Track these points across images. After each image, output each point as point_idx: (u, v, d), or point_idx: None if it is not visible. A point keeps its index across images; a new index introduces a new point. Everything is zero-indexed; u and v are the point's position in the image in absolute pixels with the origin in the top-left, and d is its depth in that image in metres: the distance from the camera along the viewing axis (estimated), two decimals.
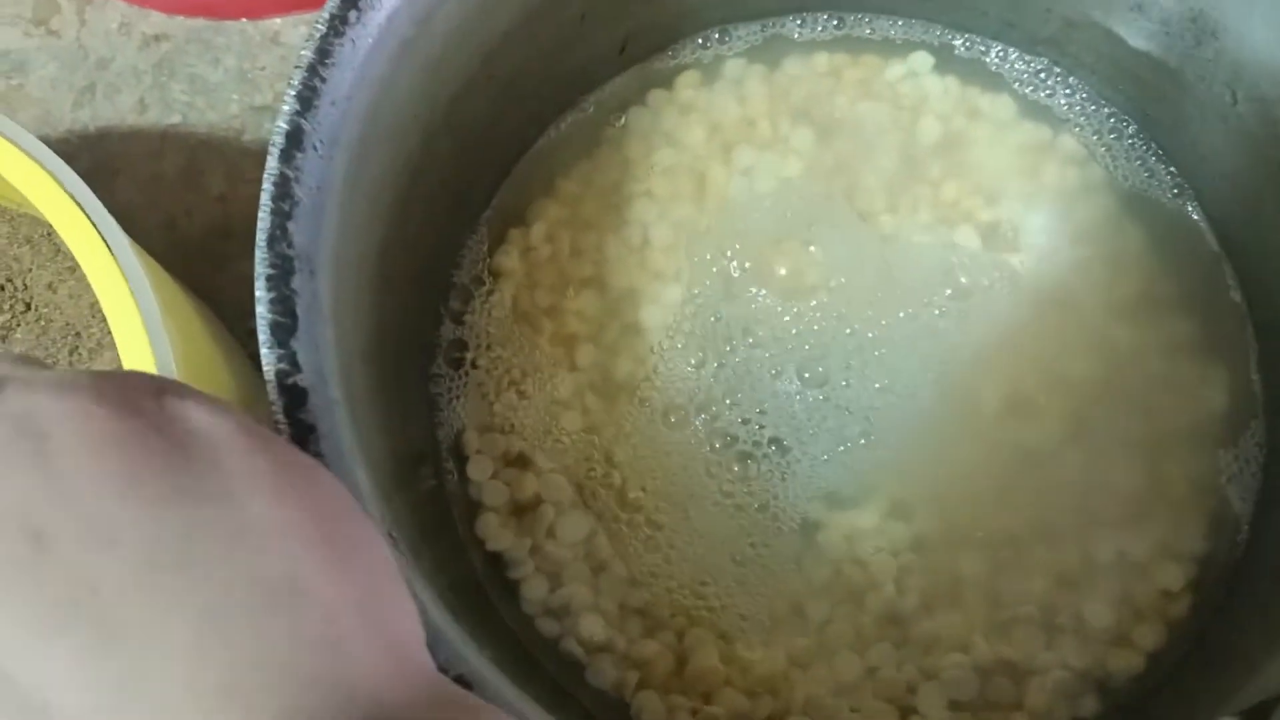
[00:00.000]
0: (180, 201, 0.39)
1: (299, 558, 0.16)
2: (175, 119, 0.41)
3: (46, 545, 0.15)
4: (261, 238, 0.23)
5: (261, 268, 0.23)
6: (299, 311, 0.23)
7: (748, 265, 0.34)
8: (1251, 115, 0.30)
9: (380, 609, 0.17)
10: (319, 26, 0.24)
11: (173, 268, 0.38)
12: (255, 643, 0.15)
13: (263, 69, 0.41)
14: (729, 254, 0.34)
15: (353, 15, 0.25)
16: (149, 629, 0.14)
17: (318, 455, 0.22)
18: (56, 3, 0.42)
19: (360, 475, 0.23)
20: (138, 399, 0.17)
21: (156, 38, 0.42)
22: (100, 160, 0.40)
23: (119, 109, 0.41)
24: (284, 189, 0.23)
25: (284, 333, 0.23)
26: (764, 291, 0.34)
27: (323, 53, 0.24)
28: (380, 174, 0.27)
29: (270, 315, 0.23)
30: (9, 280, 0.35)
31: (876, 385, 0.33)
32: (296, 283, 0.23)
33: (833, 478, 0.32)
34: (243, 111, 0.41)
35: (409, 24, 0.26)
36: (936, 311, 0.33)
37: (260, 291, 0.23)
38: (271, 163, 0.24)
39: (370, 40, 0.25)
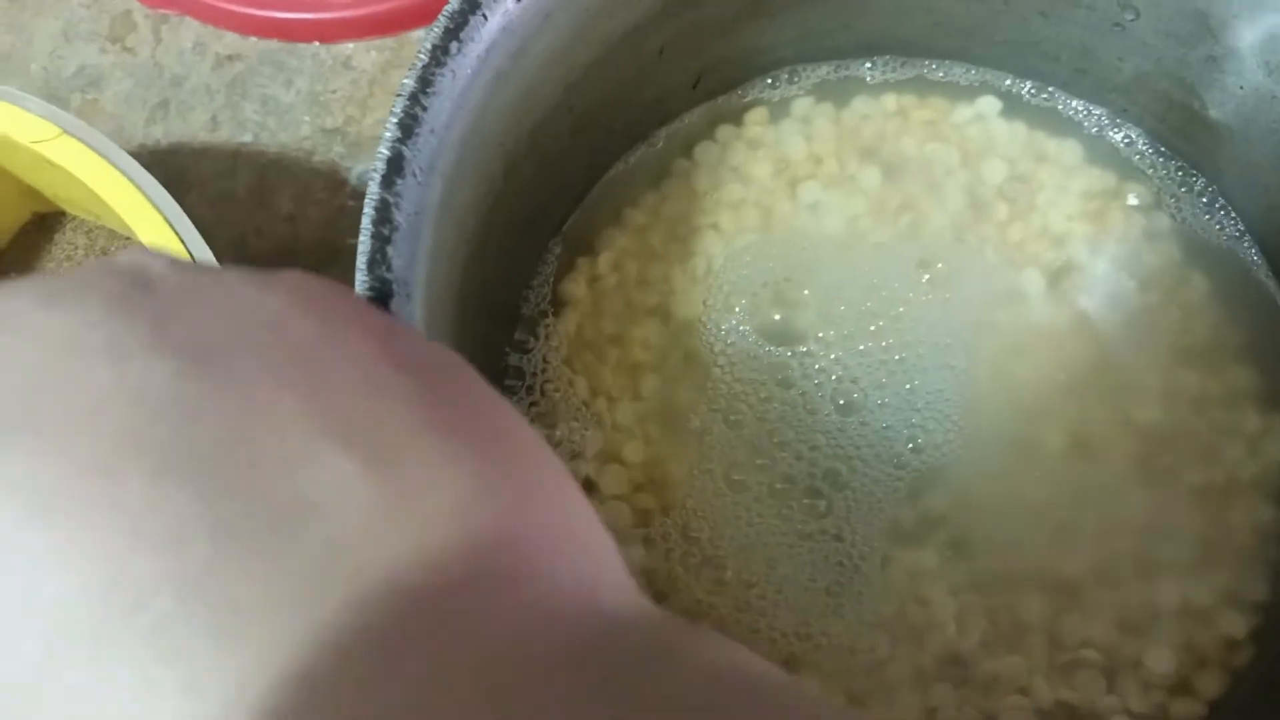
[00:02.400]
0: (250, 220, 0.40)
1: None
2: (247, 138, 0.41)
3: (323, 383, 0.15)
4: (362, 260, 0.24)
5: (362, 290, 0.23)
6: None
7: (791, 300, 0.35)
8: None
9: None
10: (421, 56, 0.25)
11: None
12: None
13: (334, 92, 0.42)
14: (774, 291, 0.35)
15: (454, 46, 0.25)
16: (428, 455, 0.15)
17: None
18: (133, 20, 0.43)
19: None
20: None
21: (230, 58, 0.43)
22: (172, 176, 0.41)
23: (191, 126, 0.42)
24: (384, 214, 0.24)
25: None
26: (822, 330, 0.34)
27: (424, 82, 0.25)
28: (467, 200, 0.27)
29: None
30: None
31: (950, 424, 0.33)
32: (394, 306, 0.24)
33: (892, 511, 0.32)
34: (313, 133, 0.41)
35: (505, 57, 0.26)
36: (996, 350, 0.34)
37: None
38: (373, 188, 0.24)
39: (469, 71, 0.25)
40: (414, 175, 0.25)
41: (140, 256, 0.17)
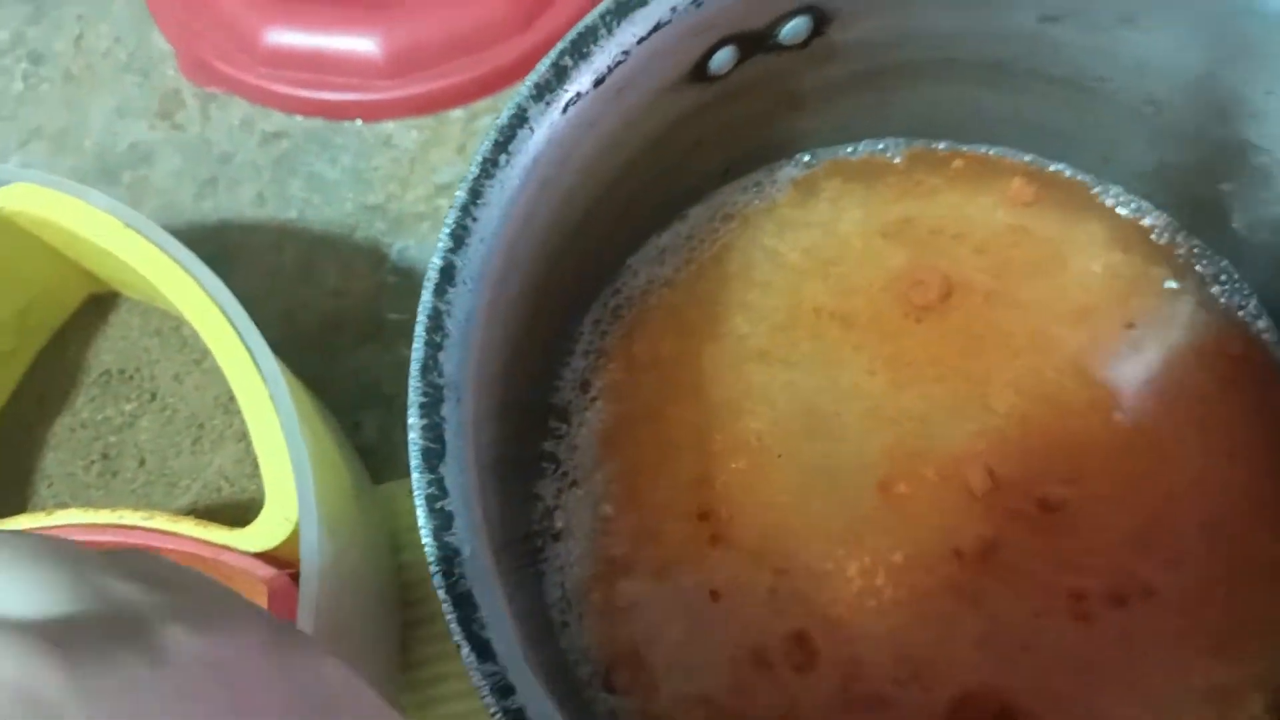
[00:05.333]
0: (296, 294, 0.41)
1: None
2: (292, 214, 0.43)
3: None
4: (415, 368, 0.25)
5: (415, 395, 0.24)
6: (447, 437, 0.24)
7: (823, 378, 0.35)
8: None
9: None
10: (473, 170, 0.26)
11: (287, 358, 0.40)
12: None
13: (376, 169, 0.43)
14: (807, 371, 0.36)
15: (503, 159, 0.26)
16: None
17: (461, 578, 0.23)
18: (182, 99, 0.45)
19: (498, 596, 0.24)
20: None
21: (276, 135, 0.44)
22: (221, 251, 0.42)
23: (239, 202, 0.43)
24: (436, 321, 0.25)
25: (434, 458, 0.24)
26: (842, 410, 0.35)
27: (475, 193, 0.26)
28: (511, 299, 0.28)
29: (422, 441, 0.24)
30: (138, 370, 0.37)
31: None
32: (445, 410, 0.25)
33: None
34: (356, 209, 0.43)
35: (550, 165, 0.27)
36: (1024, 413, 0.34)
37: (413, 419, 0.24)
38: (426, 296, 0.25)
39: (517, 182, 0.27)
40: (465, 283, 0.26)
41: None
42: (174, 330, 0.37)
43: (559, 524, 0.34)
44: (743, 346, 0.36)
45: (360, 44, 0.43)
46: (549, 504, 0.34)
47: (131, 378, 0.37)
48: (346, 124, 0.44)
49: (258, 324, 0.41)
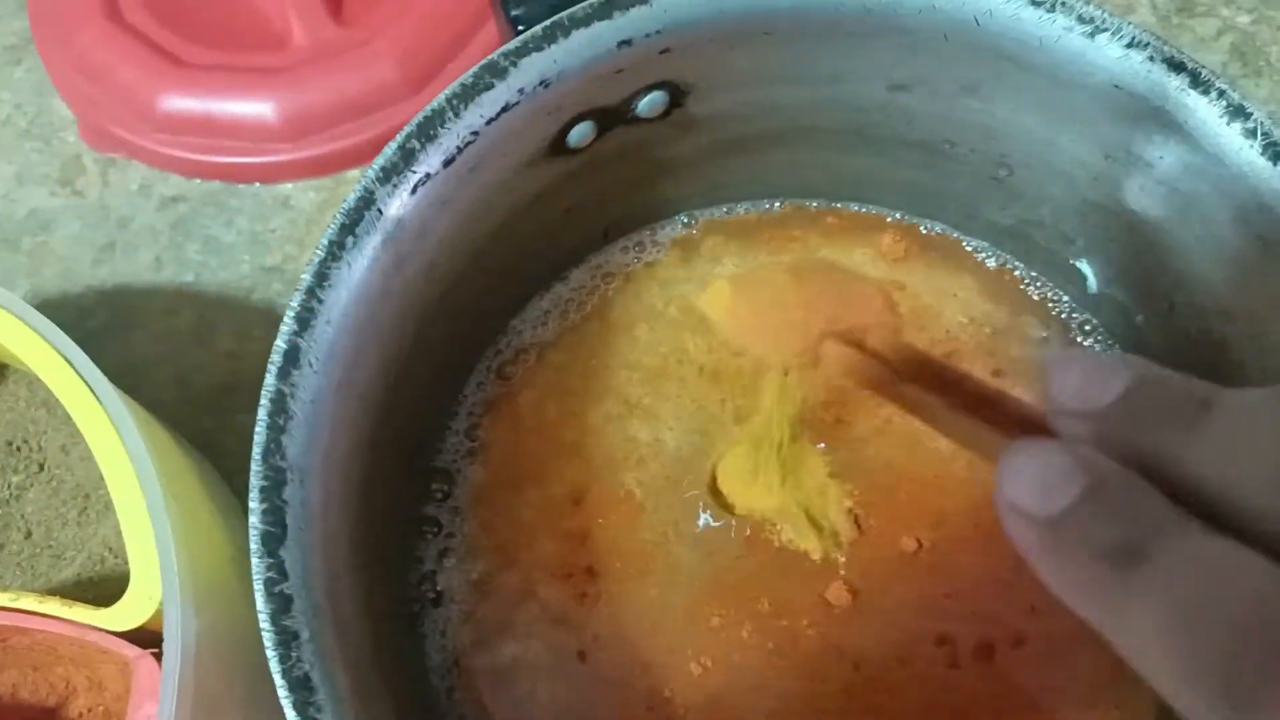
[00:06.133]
0: (192, 357, 0.42)
1: None
2: (189, 277, 0.43)
3: None
4: (257, 452, 0.25)
5: (256, 479, 0.25)
6: (288, 520, 0.25)
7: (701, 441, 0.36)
8: (1188, 321, 0.32)
9: None
10: (318, 252, 0.27)
11: (181, 420, 0.40)
12: None
13: (273, 231, 0.44)
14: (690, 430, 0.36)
15: (349, 241, 0.27)
16: None
17: (298, 660, 0.24)
18: (82, 164, 0.45)
19: (340, 678, 0.24)
20: None
21: (174, 199, 0.45)
22: (117, 315, 0.43)
23: (136, 266, 0.44)
24: (280, 405, 0.26)
25: (274, 542, 0.25)
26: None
27: (320, 276, 0.27)
28: (370, 375, 0.29)
29: (262, 525, 0.25)
30: (25, 441, 0.37)
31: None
32: (288, 493, 0.25)
33: None
34: (253, 271, 0.43)
35: (403, 243, 0.28)
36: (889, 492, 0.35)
37: (254, 502, 0.25)
38: (269, 380, 0.26)
39: (366, 262, 0.27)
40: (310, 365, 0.26)
41: None
42: (60, 402, 0.37)
43: (439, 587, 0.35)
44: (622, 403, 0.37)
45: (255, 108, 0.43)
46: (429, 568, 0.35)
47: (19, 449, 0.37)
48: (244, 186, 0.44)
49: (153, 387, 0.42)
